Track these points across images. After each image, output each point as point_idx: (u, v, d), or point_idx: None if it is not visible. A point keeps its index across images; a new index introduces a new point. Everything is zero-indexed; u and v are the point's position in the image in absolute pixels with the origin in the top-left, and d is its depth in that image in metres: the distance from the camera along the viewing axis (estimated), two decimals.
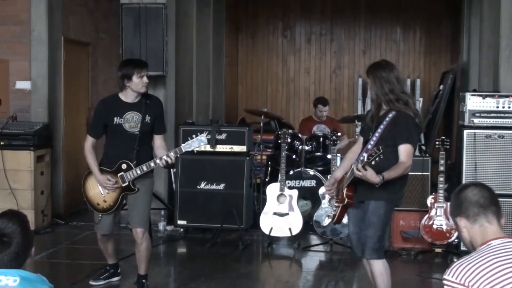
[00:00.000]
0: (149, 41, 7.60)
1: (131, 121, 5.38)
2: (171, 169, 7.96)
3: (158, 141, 5.51)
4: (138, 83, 5.34)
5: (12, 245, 2.68)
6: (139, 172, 5.33)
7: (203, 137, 5.29)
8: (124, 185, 5.38)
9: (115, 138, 5.44)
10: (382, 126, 4.57)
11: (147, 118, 5.41)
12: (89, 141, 5.47)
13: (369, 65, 4.87)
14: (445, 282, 2.56)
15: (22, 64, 8.26)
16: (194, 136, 5.34)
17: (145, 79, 5.36)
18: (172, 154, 5.25)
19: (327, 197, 7.11)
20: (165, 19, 7.63)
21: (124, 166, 5.36)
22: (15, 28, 8.28)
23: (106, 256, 5.86)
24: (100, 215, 5.51)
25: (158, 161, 5.27)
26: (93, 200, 5.51)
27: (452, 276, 2.54)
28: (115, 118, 5.37)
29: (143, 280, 5.60)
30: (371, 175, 4.33)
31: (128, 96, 5.41)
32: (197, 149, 7.53)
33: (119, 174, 5.38)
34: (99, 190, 5.47)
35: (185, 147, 5.27)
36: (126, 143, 5.37)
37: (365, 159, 4.29)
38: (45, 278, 2.77)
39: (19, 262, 2.73)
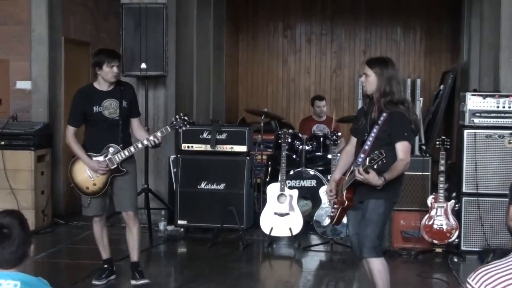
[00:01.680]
0: (150, 41, 7.60)
1: (110, 108, 5.62)
2: (172, 169, 7.97)
3: (135, 123, 5.77)
4: (107, 72, 5.57)
5: (12, 236, 2.65)
6: (127, 153, 5.56)
7: (186, 117, 5.58)
8: (113, 167, 5.58)
9: (96, 125, 5.66)
10: (377, 126, 4.57)
11: (124, 103, 5.65)
12: (71, 130, 5.67)
13: (375, 58, 4.78)
14: (467, 285, 2.55)
15: (23, 64, 8.27)
16: (177, 117, 5.63)
17: (115, 69, 5.59)
18: (158, 134, 5.52)
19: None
20: (165, 19, 7.62)
21: (111, 149, 5.59)
22: (16, 28, 8.29)
23: (101, 249, 5.92)
24: (89, 199, 5.69)
25: (145, 141, 5.52)
26: (82, 185, 5.68)
27: (473, 280, 2.54)
28: (94, 108, 5.59)
29: (139, 268, 5.83)
30: (373, 178, 4.33)
31: (102, 85, 5.65)
32: (198, 148, 7.64)
33: (107, 158, 5.58)
34: (88, 174, 5.64)
35: (171, 126, 5.57)
36: (109, 129, 5.60)
37: (367, 163, 4.28)
38: (46, 281, 2.75)
39: (19, 257, 2.69)
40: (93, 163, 5.58)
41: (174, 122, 5.60)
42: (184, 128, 5.71)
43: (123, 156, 5.56)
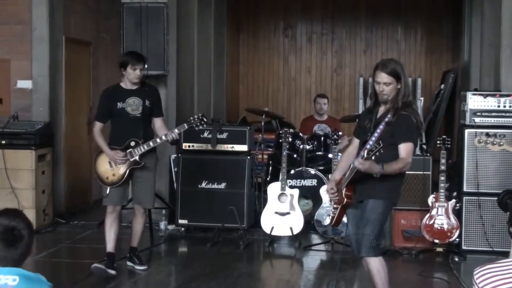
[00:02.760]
0: (150, 40, 7.60)
1: (133, 105, 6.00)
2: (172, 168, 7.98)
3: (158, 122, 6.16)
4: (130, 73, 5.96)
5: (23, 238, 2.72)
6: (146, 147, 5.93)
7: (204, 117, 5.96)
8: (132, 159, 5.94)
9: (120, 121, 6.03)
10: (381, 127, 4.57)
11: (147, 102, 6.03)
12: (97, 126, 6.09)
13: (389, 64, 4.59)
14: (473, 277, 2.57)
15: (23, 64, 8.27)
16: (198, 116, 6.02)
17: (137, 72, 5.97)
18: (176, 130, 5.92)
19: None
20: (166, 18, 7.63)
21: (132, 143, 5.95)
22: (16, 27, 8.29)
23: (108, 240, 6.06)
24: (108, 189, 6.01)
25: (164, 137, 5.91)
26: (103, 175, 6.05)
27: (475, 275, 2.55)
28: (118, 103, 5.99)
29: (137, 253, 6.28)
30: (371, 164, 4.32)
31: (127, 84, 6.05)
32: (199, 147, 7.64)
33: (128, 151, 5.94)
34: (108, 165, 6.00)
35: (187, 124, 5.95)
36: (131, 124, 5.98)
37: (365, 155, 4.29)
38: (44, 277, 2.78)
39: (26, 257, 2.76)
40: (112, 152, 5.94)
41: (192, 121, 5.97)
42: (201, 127, 6.08)
43: (142, 150, 5.92)
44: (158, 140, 5.95)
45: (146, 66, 6.20)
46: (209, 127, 7.71)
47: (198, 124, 5.99)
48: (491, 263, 2.59)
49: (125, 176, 5.98)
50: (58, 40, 8.47)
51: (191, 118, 6.05)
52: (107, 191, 6.03)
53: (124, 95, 6.02)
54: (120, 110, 5.99)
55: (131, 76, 5.97)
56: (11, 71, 8.31)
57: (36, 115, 8.19)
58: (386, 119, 4.58)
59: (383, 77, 4.55)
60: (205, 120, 6.03)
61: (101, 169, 6.05)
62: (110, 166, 6.00)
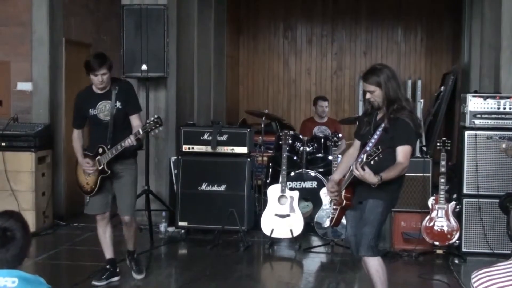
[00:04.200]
0: (150, 42, 7.60)
1: (104, 110, 5.71)
2: (172, 170, 7.98)
3: (133, 121, 5.74)
4: (93, 79, 5.64)
5: (16, 239, 2.70)
6: (110, 155, 5.60)
7: (158, 119, 5.47)
8: (100, 168, 5.69)
9: (94, 127, 5.82)
10: (380, 129, 4.58)
11: (118, 104, 5.69)
12: (74, 132, 5.90)
13: (368, 71, 4.71)
14: (471, 281, 2.58)
15: (23, 65, 8.27)
16: (152, 118, 5.52)
17: (99, 78, 5.59)
18: (132, 137, 5.47)
19: (328, 198, 7.10)
20: (166, 20, 7.62)
21: (100, 150, 5.69)
22: (16, 29, 8.29)
23: (104, 248, 5.96)
24: (87, 198, 5.85)
25: (123, 143, 5.51)
26: (80, 184, 5.89)
27: (473, 279, 2.56)
28: (90, 110, 5.72)
29: (135, 255, 6.14)
30: (368, 175, 4.34)
31: (96, 88, 5.73)
32: (199, 149, 7.64)
33: (96, 158, 5.70)
34: (84, 174, 5.82)
35: (142, 129, 5.47)
36: (102, 130, 5.68)
37: (364, 159, 4.30)
38: (44, 279, 2.78)
39: (20, 259, 2.74)
40: (82, 161, 5.76)
41: (147, 125, 5.48)
42: (156, 131, 5.54)
43: (108, 158, 5.62)
44: (119, 146, 5.52)
45: (110, 70, 5.66)
46: (209, 129, 7.72)
47: (153, 127, 5.45)
48: (489, 267, 2.60)
49: (97, 185, 5.72)
50: (58, 42, 8.47)
51: (146, 122, 5.59)
52: (87, 199, 5.85)
53: (95, 100, 5.70)
54: (93, 117, 5.71)
55: (94, 82, 5.65)
56: (11, 73, 8.31)
57: (36, 117, 8.19)
58: (383, 125, 4.59)
59: (365, 85, 4.69)
60: (160, 122, 5.45)
61: (80, 178, 5.87)
62: (85, 175, 5.80)
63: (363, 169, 4.32)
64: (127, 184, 5.80)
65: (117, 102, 5.68)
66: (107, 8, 9.75)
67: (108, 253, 5.97)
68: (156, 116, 5.52)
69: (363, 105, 11.30)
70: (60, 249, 7.32)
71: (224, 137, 7.62)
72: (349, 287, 6.18)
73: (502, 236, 6.69)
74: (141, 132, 5.48)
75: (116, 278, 5.96)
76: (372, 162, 4.28)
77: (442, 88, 10.68)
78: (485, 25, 8.36)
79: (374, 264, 4.68)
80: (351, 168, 4.51)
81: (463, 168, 6.86)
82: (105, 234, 5.93)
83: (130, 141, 5.46)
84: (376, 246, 4.71)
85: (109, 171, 5.68)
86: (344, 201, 4.68)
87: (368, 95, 4.69)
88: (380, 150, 4.24)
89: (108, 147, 5.62)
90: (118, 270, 6.01)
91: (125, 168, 5.76)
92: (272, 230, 7.28)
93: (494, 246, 6.78)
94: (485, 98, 6.90)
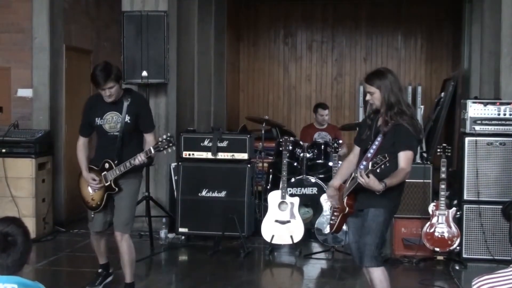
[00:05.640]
0: (151, 48, 7.61)
1: (111, 122, 5.41)
2: (173, 177, 7.98)
3: (146, 138, 5.50)
4: (102, 93, 5.34)
5: (17, 245, 2.70)
6: (118, 172, 5.36)
7: (171, 139, 5.21)
8: (106, 184, 5.43)
9: (100, 138, 5.53)
10: (381, 135, 4.58)
11: (127, 118, 5.39)
12: (80, 140, 5.62)
13: (372, 73, 4.75)
14: (472, 287, 2.58)
15: (24, 72, 8.28)
16: (165, 137, 5.24)
17: (106, 93, 5.29)
18: (142, 155, 5.23)
19: (329, 204, 7.10)
20: (166, 27, 7.63)
21: (106, 165, 5.42)
22: (17, 35, 8.30)
23: (98, 255, 5.90)
24: (92, 213, 5.58)
25: (132, 161, 5.27)
26: (84, 198, 5.61)
27: (474, 286, 2.56)
28: (96, 119, 5.44)
29: None
30: (373, 183, 4.33)
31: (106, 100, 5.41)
32: (199, 156, 7.64)
33: (102, 173, 5.44)
34: (89, 188, 5.54)
35: (154, 148, 5.21)
36: (108, 144, 5.42)
37: (370, 167, 4.29)
38: (43, 286, 2.78)
39: (20, 265, 2.74)
40: (88, 176, 5.48)
41: (159, 143, 5.21)
42: (169, 150, 5.25)
43: (115, 174, 5.37)
44: (127, 164, 5.28)
45: (118, 81, 5.37)
46: (209, 135, 7.72)
47: (166, 146, 5.18)
48: (489, 274, 2.59)
49: (103, 201, 5.48)
50: (58, 48, 8.49)
51: (159, 140, 5.23)
52: (92, 215, 5.58)
53: (103, 109, 5.40)
54: (99, 127, 5.42)
55: (103, 96, 5.34)
56: (11, 80, 8.32)
57: (37, 124, 8.20)
58: (383, 130, 4.59)
59: (366, 86, 4.71)
60: (173, 141, 5.18)
61: (83, 191, 5.59)
62: (90, 190, 5.52)
63: (368, 177, 4.31)
64: (125, 197, 5.47)
65: (127, 115, 5.39)
66: (108, 14, 9.77)
67: (102, 260, 5.94)
68: (169, 135, 5.25)
69: (363, 112, 11.34)
70: (60, 255, 7.31)
71: (225, 143, 7.63)
72: None
73: (503, 242, 6.68)
74: (152, 151, 5.21)
75: (109, 279, 5.95)
76: (378, 170, 4.27)
77: (442, 94, 10.69)
78: (485, 32, 8.37)
79: (378, 275, 4.67)
80: (354, 175, 4.49)
81: (463, 174, 6.87)
82: (99, 245, 5.82)
83: (140, 159, 5.23)
84: (380, 255, 4.69)
85: (116, 189, 5.42)
86: (347, 208, 4.66)
87: (368, 97, 4.72)
88: (387, 158, 4.23)
89: (116, 162, 5.36)
90: (111, 270, 5.99)
91: (126, 180, 5.46)
92: (273, 236, 7.27)
93: (495, 252, 6.77)
94: (485, 104, 6.91)
